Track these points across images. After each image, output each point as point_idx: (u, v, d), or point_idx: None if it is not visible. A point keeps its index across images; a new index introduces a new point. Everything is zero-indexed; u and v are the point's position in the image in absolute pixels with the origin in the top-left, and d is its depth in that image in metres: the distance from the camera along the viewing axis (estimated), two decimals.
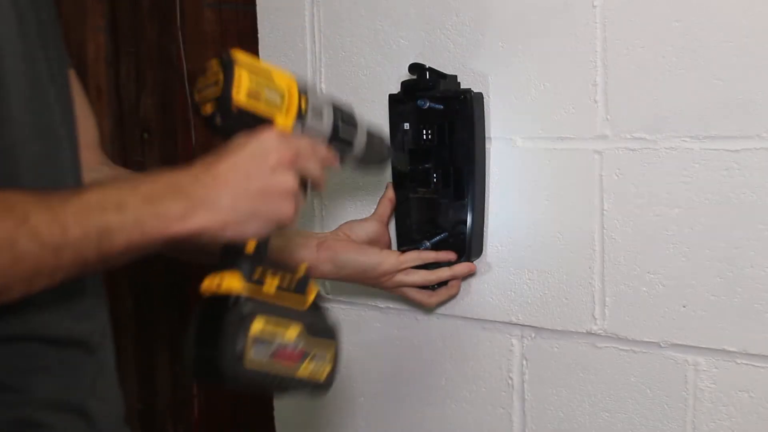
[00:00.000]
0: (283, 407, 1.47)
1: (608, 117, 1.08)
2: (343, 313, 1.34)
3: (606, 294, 1.11)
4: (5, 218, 0.69)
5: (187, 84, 2.35)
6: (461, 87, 1.18)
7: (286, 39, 1.37)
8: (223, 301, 0.80)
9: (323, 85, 1.34)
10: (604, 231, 1.10)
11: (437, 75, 1.17)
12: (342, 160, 0.95)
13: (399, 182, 1.23)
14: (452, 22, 1.19)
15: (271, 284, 0.84)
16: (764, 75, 0.97)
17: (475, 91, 1.16)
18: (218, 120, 0.82)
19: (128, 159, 2.26)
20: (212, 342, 0.79)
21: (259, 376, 0.80)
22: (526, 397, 1.20)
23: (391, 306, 1.31)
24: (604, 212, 1.10)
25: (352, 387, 1.37)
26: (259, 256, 0.84)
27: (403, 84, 1.20)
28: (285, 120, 0.86)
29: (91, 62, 2.39)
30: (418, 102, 1.16)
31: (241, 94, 0.82)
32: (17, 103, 0.80)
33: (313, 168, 0.86)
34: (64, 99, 0.87)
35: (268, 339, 0.81)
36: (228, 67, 0.82)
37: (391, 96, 1.21)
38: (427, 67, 1.17)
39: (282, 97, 0.86)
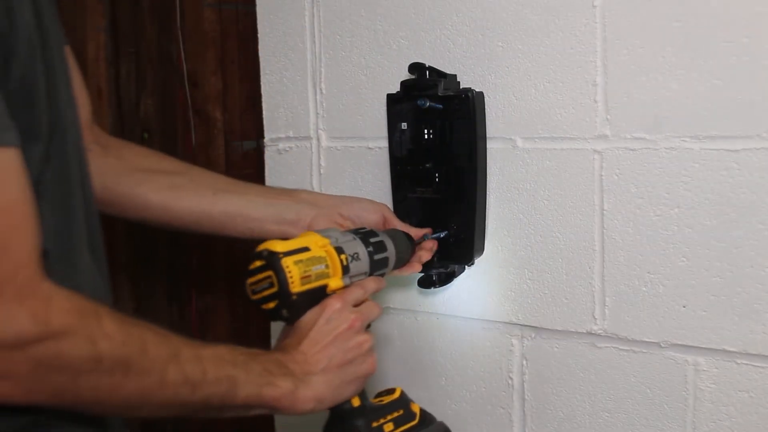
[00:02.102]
0: None
1: (608, 117, 1.08)
2: None
3: (606, 294, 1.11)
4: (162, 347, 0.76)
5: (187, 84, 2.35)
6: (461, 86, 1.18)
7: (286, 39, 1.37)
8: None
9: (323, 85, 1.34)
10: (604, 231, 1.10)
11: (437, 74, 1.17)
12: (383, 276, 1.05)
13: (398, 182, 1.23)
14: (452, 22, 1.19)
15: (388, 426, 0.95)
16: (764, 75, 0.97)
17: (475, 90, 1.16)
18: (284, 313, 0.92)
19: None
20: None
21: None
22: (526, 397, 1.20)
23: (391, 306, 1.31)
24: (604, 212, 1.10)
25: None
26: (365, 408, 0.94)
27: (403, 84, 1.20)
28: (336, 282, 0.95)
29: (91, 62, 2.39)
30: (419, 101, 1.16)
31: (296, 285, 0.90)
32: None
33: (373, 312, 0.97)
34: (66, 80, 0.87)
35: None
36: (275, 264, 0.90)
37: (389, 96, 1.21)
38: (427, 66, 1.17)
39: (326, 264, 0.94)
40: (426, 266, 1.19)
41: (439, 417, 1.21)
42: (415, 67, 1.18)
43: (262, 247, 0.92)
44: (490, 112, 1.17)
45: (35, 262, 0.68)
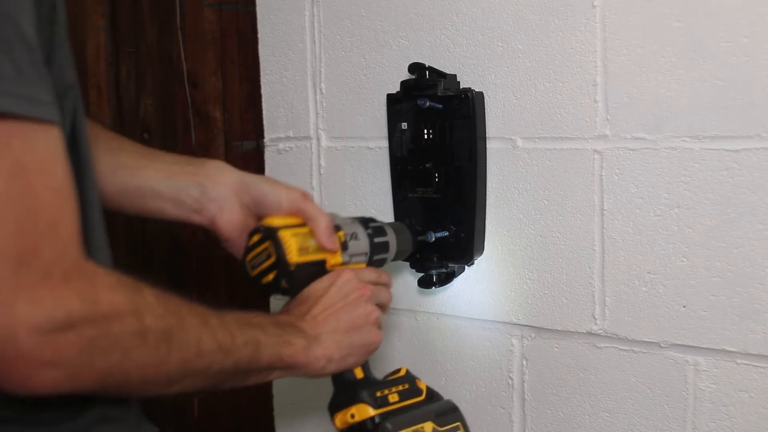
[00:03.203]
0: (283, 407, 1.47)
1: (608, 117, 1.08)
2: None
3: (606, 294, 1.11)
4: (192, 316, 0.76)
5: (186, 84, 2.35)
6: (461, 86, 1.18)
7: (286, 39, 1.37)
8: (362, 429, 0.92)
9: (323, 85, 1.34)
10: (604, 231, 1.10)
11: (437, 74, 1.17)
12: (383, 264, 1.06)
13: (398, 182, 1.23)
14: (452, 22, 1.19)
15: (393, 397, 0.95)
16: (764, 75, 0.97)
17: (475, 90, 1.16)
18: (284, 283, 0.93)
19: None
20: None
21: None
22: (526, 397, 1.20)
23: (391, 306, 1.31)
24: (604, 212, 1.10)
25: None
26: (369, 380, 0.96)
27: (403, 84, 1.20)
28: (335, 258, 0.96)
29: (91, 62, 2.39)
30: (419, 101, 1.16)
31: (293, 255, 0.92)
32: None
33: (384, 295, 1.00)
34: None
35: None
36: (272, 236, 0.92)
37: (389, 96, 1.21)
38: (426, 66, 1.17)
39: None
40: (426, 266, 1.19)
41: None
42: (415, 67, 1.18)
43: (260, 223, 0.95)
44: (490, 112, 1.17)
45: (80, 242, 0.67)
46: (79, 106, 0.79)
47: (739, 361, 1.03)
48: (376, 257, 1.03)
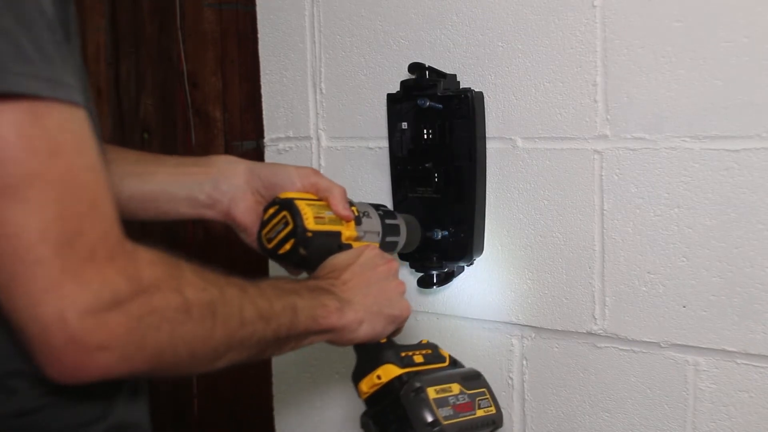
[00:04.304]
0: (283, 407, 1.47)
1: (608, 117, 1.08)
2: None
3: (606, 294, 1.11)
4: (231, 286, 0.75)
5: (186, 84, 2.35)
6: (461, 86, 1.18)
7: (286, 39, 1.37)
8: (391, 389, 0.89)
9: (323, 85, 1.34)
10: (604, 231, 1.10)
11: (437, 74, 1.17)
12: (395, 249, 1.07)
13: (398, 182, 1.23)
14: (452, 22, 1.19)
15: (418, 358, 0.94)
16: (764, 75, 0.97)
17: (475, 90, 1.16)
18: (302, 251, 0.92)
19: None
20: (402, 426, 0.87)
21: (457, 428, 0.89)
22: (526, 397, 1.20)
23: None
24: (604, 212, 1.10)
25: (351, 387, 1.37)
26: (392, 343, 0.95)
27: (403, 84, 1.20)
28: (350, 230, 0.98)
29: (91, 62, 2.39)
30: (419, 101, 1.16)
31: (310, 221, 0.93)
32: None
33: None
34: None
35: (444, 399, 0.90)
36: (289, 205, 0.93)
37: (389, 96, 1.21)
38: (426, 66, 1.17)
39: None
40: (426, 266, 1.19)
41: None
42: (415, 67, 1.18)
43: (273, 198, 0.96)
44: (490, 112, 1.17)
45: (119, 221, 0.67)
46: (92, 104, 0.79)
47: (739, 361, 1.03)
48: (388, 239, 1.04)
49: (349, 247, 0.97)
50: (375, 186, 1.29)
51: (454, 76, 1.19)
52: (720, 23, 0.99)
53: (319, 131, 1.35)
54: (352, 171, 1.32)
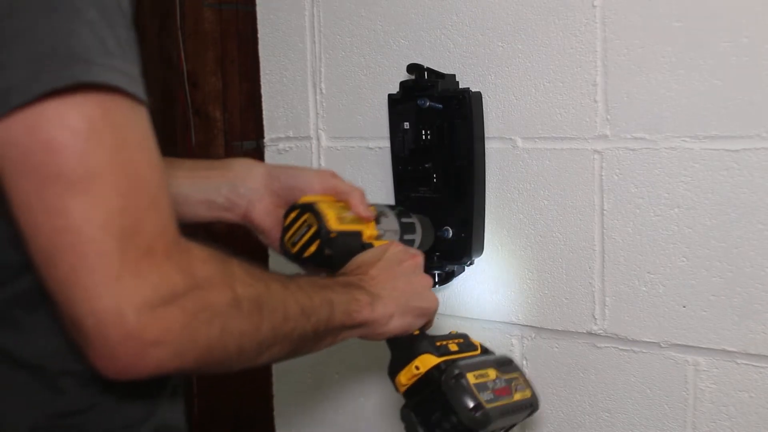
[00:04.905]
0: (283, 407, 1.47)
1: (608, 117, 1.08)
2: None
3: (606, 294, 1.11)
4: (275, 281, 0.76)
5: (186, 84, 2.35)
6: (460, 86, 1.18)
7: (286, 39, 1.37)
8: (430, 378, 0.90)
9: (323, 86, 1.34)
10: (604, 231, 1.10)
11: (435, 75, 1.17)
12: (412, 246, 1.06)
13: (400, 182, 1.23)
14: (452, 22, 1.19)
15: (453, 346, 0.94)
16: (764, 75, 0.97)
17: (474, 90, 1.16)
18: (327, 251, 0.93)
19: None
20: (446, 413, 0.87)
21: (499, 412, 0.90)
22: None
23: None
24: (604, 212, 1.10)
25: (351, 387, 1.37)
26: (425, 334, 0.95)
27: (402, 84, 1.20)
28: (370, 230, 0.99)
29: None
30: (419, 101, 1.16)
31: (332, 222, 0.94)
32: None
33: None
34: None
35: (483, 384, 0.90)
36: (311, 208, 0.95)
37: (390, 96, 1.22)
38: (425, 67, 1.17)
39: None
40: (426, 266, 1.19)
41: None
42: (414, 68, 1.18)
43: (294, 202, 0.97)
44: (489, 112, 1.17)
45: (176, 218, 0.67)
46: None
47: (739, 361, 1.03)
48: (406, 236, 1.05)
49: (371, 245, 0.98)
50: (375, 186, 1.29)
51: (453, 76, 1.19)
52: (720, 23, 0.99)
53: (319, 131, 1.35)
54: (352, 171, 1.32)
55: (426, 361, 0.91)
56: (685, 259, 1.05)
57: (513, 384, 0.95)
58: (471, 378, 0.89)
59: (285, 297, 0.76)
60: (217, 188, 1.01)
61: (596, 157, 1.10)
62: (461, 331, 1.00)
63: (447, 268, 1.20)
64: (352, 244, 0.96)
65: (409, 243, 1.06)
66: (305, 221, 0.94)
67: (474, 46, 1.18)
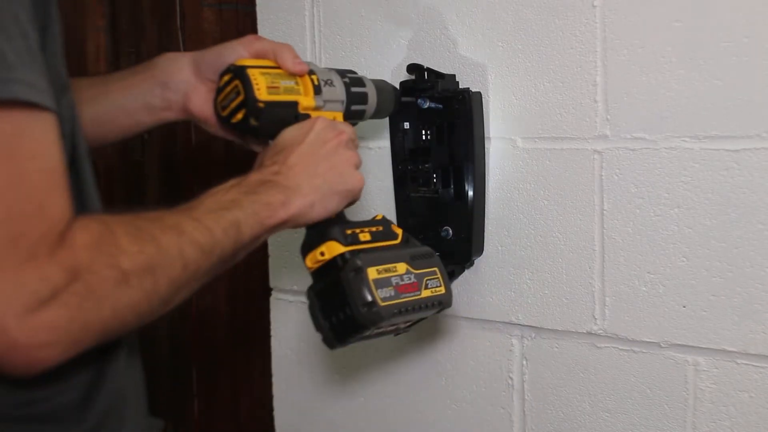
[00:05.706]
0: (283, 407, 1.47)
1: (608, 117, 1.08)
2: None
3: (606, 294, 1.11)
4: (167, 232, 0.74)
5: None
6: (460, 86, 1.18)
7: (286, 39, 1.37)
8: (332, 266, 0.88)
9: None
10: (604, 231, 1.10)
11: (435, 75, 1.17)
12: (362, 117, 1.03)
13: (400, 182, 1.23)
14: (452, 22, 1.19)
15: (365, 236, 0.91)
16: (764, 75, 0.97)
17: (474, 90, 1.16)
18: (252, 121, 0.91)
19: (128, 159, 2.26)
20: (341, 304, 0.86)
21: (396, 310, 0.88)
22: (526, 397, 1.20)
23: None
24: (604, 212, 1.10)
25: (351, 387, 1.37)
26: (340, 219, 0.92)
27: (402, 84, 1.20)
28: (308, 100, 0.95)
29: (91, 62, 2.39)
30: (419, 101, 1.16)
31: (262, 92, 0.90)
32: None
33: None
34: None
35: (386, 279, 0.88)
36: (241, 74, 0.91)
37: None
38: (425, 67, 1.17)
39: (296, 81, 0.95)
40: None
41: (439, 417, 1.21)
42: (413, 68, 1.18)
43: (229, 64, 0.93)
44: (490, 112, 1.17)
45: (68, 217, 0.67)
46: (75, 112, 0.79)
47: (739, 361, 1.03)
48: (353, 107, 1.01)
49: (307, 117, 0.95)
50: (375, 186, 1.29)
51: (453, 76, 1.19)
52: (720, 23, 0.99)
53: None
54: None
55: (332, 249, 0.89)
56: (685, 259, 1.05)
57: (425, 279, 0.92)
58: (372, 272, 0.87)
59: (181, 245, 0.74)
60: (150, 90, 1.00)
61: (596, 157, 1.10)
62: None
63: (447, 269, 1.20)
64: (284, 116, 0.93)
65: (359, 113, 1.02)
66: (235, 87, 0.91)
67: (474, 46, 1.18)
